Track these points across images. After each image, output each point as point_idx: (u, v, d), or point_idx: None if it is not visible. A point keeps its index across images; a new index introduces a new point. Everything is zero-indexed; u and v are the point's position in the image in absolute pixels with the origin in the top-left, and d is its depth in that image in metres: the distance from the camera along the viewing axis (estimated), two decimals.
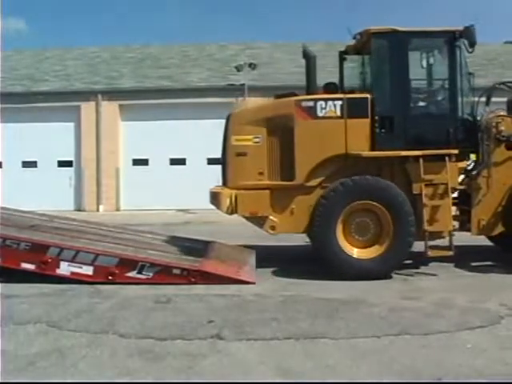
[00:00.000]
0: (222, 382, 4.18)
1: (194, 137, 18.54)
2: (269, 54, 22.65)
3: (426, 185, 7.69)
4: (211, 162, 19.19)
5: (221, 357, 4.63)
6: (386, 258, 7.53)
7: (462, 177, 8.19)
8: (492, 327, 5.37)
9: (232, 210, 7.87)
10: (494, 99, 8.49)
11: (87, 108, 19.25)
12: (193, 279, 7.11)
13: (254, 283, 7.18)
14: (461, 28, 7.82)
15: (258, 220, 7.94)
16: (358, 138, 7.74)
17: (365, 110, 7.78)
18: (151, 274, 7.15)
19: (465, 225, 8.13)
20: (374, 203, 7.58)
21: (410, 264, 8.11)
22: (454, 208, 8.11)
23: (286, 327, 5.36)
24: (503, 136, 7.92)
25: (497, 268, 8.13)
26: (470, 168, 8.35)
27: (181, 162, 19.19)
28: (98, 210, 18.87)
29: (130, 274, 7.14)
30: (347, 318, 5.67)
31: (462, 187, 8.12)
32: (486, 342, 4.92)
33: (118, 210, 18.98)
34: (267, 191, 7.88)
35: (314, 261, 8.67)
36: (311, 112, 7.81)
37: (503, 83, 8.74)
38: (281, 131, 7.90)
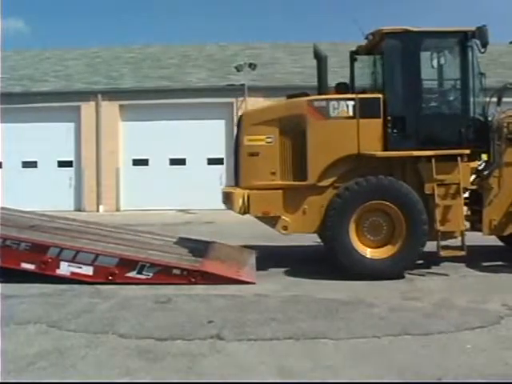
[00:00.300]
0: (222, 382, 4.19)
1: (194, 137, 18.54)
2: (269, 54, 22.67)
3: (438, 185, 7.70)
4: (211, 162, 19.24)
5: (221, 357, 4.63)
6: (399, 258, 7.55)
7: (473, 177, 8.19)
8: (492, 327, 5.37)
9: (244, 210, 7.87)
10: (505, 99, 8.50)
11: (87, 108, 19.26)
12: (193, 279, 7.11)
13: (254, 283, 7.18)
14: (473, 28, 7.84)
15: (271, 220, 7.93)
16: (370, 138, 7.75)
17: (377, 110, 7.80)
18: (151, 274, 7.15)
19: (476, 225, 8.13)
20: (388, 203, 7.59)
21: (422, 264, 8.08)
22: (465, 208, 8.10)
23: (286, 327, 5.36)
24: None
25: (506, 268, 8.11)
26: (481, 168, 8.34)
27: (181, 162, 19.19)
28: (97, 211, 18.87)
29: (129, 274, 7.14)
30: (347, 318, 5.68)
31: (473, 187, 8.12)
32: (486, 343, 4.93)
33: (117, 210, 18.98)
34: (280, 191, 7.88)
35: (315, 261, 8.69)
36: (324, 112, 7.82)
37: None
38: (293, 131, 7.90)
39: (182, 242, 8.95)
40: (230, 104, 19.04)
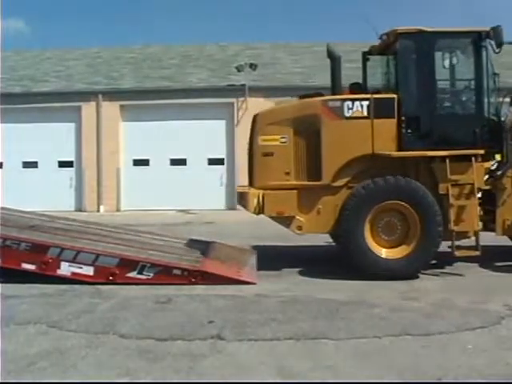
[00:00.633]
0: (222, 382, 4.19)
1: (195, 137, 18.54)
2: (269, 55, 22.66)
3: (452, 185, 7.71)
4: (212, 162, 19.25)
5: (221, 357, 4.63)
6: (414, 258, 7.56)
7: (486, 177, 8.18)
8: (492, 327, 5.37)
9: (259, 210, 7.88)
10: None
11: (88, 108, 19.26)
12: (193, 279, 7.11)
13: (254, 283, 7.18)
14: (487, 28, 7.85)
15: (285, 220, 7.93)
16: (384, 138, 7.77)
17: (391, 110, 7.81)
18: (152, 275, 7.15)
19: (489, 225, 8.12)
20: (403, 203, 7.60)
21: (436, 264, 8.07)
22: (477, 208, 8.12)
23: (287, 327, 5.36)
24: None
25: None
26: (494, 168, 8.35)
27: (181, 162, 19.18)
28: (98, 211, 18.87)
29: (130, 275, 7.14)
30: (348, 318, 5.67)
31: (486, 187, 8.11)
32: (487, 343, 4.92)
33: (118, 210, 18.98)
34: (294, 191, 7.89)
35: (314, 261, 8.69)
36: (338, 112, 7.83)
37: None
38: (307, 131, 7.91)
39: (183, 242, 8.95)
40: (230, 104, 19.05)
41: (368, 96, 7.98)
